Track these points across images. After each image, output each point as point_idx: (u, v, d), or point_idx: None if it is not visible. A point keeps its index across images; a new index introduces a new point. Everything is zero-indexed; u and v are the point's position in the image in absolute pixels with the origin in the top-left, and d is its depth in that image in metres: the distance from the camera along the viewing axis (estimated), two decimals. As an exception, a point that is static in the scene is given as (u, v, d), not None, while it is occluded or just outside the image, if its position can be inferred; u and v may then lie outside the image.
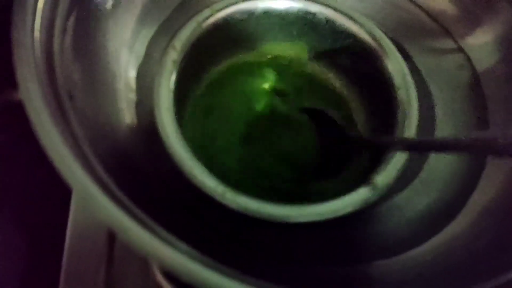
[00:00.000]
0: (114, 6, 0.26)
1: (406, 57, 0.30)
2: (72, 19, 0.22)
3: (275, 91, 0.32)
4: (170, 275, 0.27)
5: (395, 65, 0.28)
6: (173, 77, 0.26)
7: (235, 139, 0.29)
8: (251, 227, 0.23)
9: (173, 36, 0.28)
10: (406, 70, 0.28)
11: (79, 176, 0.16)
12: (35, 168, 0.37)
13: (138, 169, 0.24)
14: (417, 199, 0.26)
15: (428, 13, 0.31)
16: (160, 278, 0.27)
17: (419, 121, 0.26)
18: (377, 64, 0.29)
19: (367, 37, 0.29)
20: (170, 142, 0.23)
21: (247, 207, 0.22)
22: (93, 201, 0.16)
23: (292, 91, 0.32)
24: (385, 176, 0.24)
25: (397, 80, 0.28)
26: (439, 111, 0.29)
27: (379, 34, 0.29)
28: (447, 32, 0.31)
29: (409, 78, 0.28)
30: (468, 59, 0.30)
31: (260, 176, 0.28)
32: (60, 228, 0.30)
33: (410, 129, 0.26)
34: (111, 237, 0.29)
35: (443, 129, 0.29)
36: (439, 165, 0.27)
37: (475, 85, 0.29)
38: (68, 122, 0.19)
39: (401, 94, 0.27)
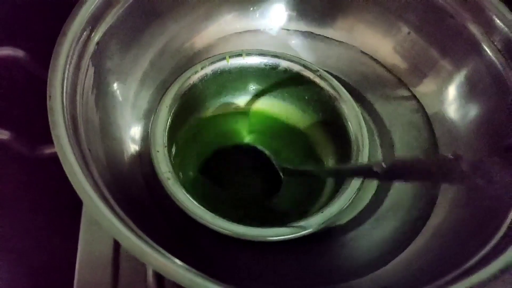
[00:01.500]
0: (120, 73, 0.32)
1: (368, 104, 0.37)
2: (87, 88, 0.29)
3: (249, 132, 0.38)
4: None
5: (350, 110, 0.35)
6: (167, 120, 0.32)
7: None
8: (235, 248, 0.29)
9: (167, 88, 0.34)
10: (359, 114, 0.34)
11: (97, 206, 0.22)
12: (36, 214, 0.42)
13: (140, 199, 0.30)
14: (382, 225, 0.32)
15: (385, 67, 0.39)
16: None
17: (369, 158, 0.33)
18: (336, 109, 0.35)
19: (328, 87, 0.36)
20: (163, 178, 0.29)
21: (232, 230, 0.28)
22: (104, 221, 0.22)
23: (264, 134, 0.38)
24: (333, 207, 0.30)
25: (352, 122, 0.34)
26: (398, 150, 0.36)
27: (336, 84, 0.36)
28: (401, 82, 0.38)
29: (361, 120, 0.34)
30: (420, 104, 0.37)
31: (237, 206, 0.34)
32: (63, 269, 0.33)
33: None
34: (116, 272, 0.33)
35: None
36: (401, 195, 0.33)
37: (427, 126, 0.36)
38: (88, 167, 0.24)
39: (355, 134, 0.34)
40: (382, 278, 0.29)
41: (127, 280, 0.32)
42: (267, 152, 0.36)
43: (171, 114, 0.33)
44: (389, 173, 0.25)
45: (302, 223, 0.29)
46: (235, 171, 0.37)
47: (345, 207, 0.30)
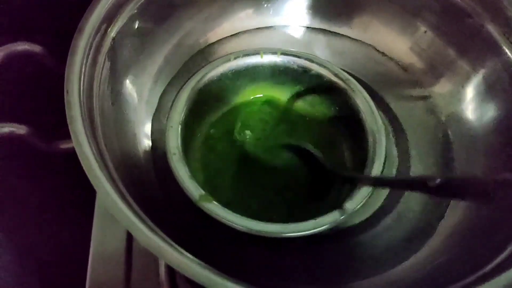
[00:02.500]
0: (136, 69, 0.33)
1: (383, 103, 0.37)
2: (104, 83, 0.29)
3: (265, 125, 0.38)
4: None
5: (362, 101, 0.35)
6: (182, 116, 0.33)
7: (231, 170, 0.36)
8: (249, 244, 0.29)
9: (181, 87, 0.35)
10: (372, 105, 0.35)
11: (114, 200, 0.23)
12: (48, 211, 0.42)
13: (153, 194, 0.31)
14: (397, 227, 0.32)
15: (400, 66, 0.39)
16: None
17: (386, 152, 0.33)
18: (348, 102, 0.36)
19: (339, 80, 0.36)
20: (176, 169, 0.30)
21: (249, 227, 0.28)
22: (120, 215, 0.22)
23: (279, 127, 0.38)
24: (352, 203, 0.30)
25: (366, 113, 0.34)
26: (413, 151, 0.36)
27: (346, 76, 0.36)
28: (417, 82, 0.38)
29: (375, 111, 0.34)
30: (436, 105, 0.37)
31: (258, 202, 0.34)
32: (72, 266, 0.34)
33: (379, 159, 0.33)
34: (128, 267, 0.34)
35: (417, 166, 0.35)
36: (414, 198, 0.34)
37: (443, 127, 0.36)
38: (104, 161, 0.25)
39: (370, 125, 0.34)
40: (394, 280, 0.29)
41: (140, 275, 0.33)
42: (317, 153, 0.36)
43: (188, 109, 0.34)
44: (443, 190, 0.22)
45: (318, 219, 0.29)
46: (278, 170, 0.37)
47: (360, 205, 0.30)
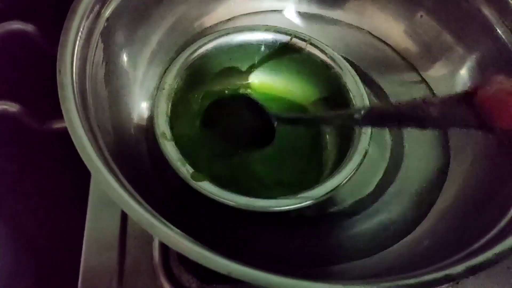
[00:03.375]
0: (129, 51, 0.33)
1: (378, 88, 0.38)
2: (97, 64, 0.29)
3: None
4: (177, 284, 0.32)
5: (351, 81, 0.34)
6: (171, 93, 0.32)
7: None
8: (239, 221, 0.30)
9: (167, 66, 0.34)
10: (361, 85, 0.34)
11: (106, 179, 0.23)
12: (42, 196, 0.42)
13: (145, 173, 0.31)
14: (389, 209, 0.33)
15: (396, 51, 0.39)
16: (166, 286, 0.33)
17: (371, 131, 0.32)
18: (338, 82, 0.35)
19: (330, 61, 0.35)
20: (165, 146, 0.30)
21: (234, 200, 0.28)
22: (113, 193, 0.22)
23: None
24: (339, 177, 0.30)
25: (353, 92, 0.34)
26: (407, 135, 0.36)
27: (338, 57, 0.35)
28: (412, 67, 0.38)
29: (362, 89, 0.34)
30: (430, 89, 0.37)
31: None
32: (68, 252, 0.34)
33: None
34: (122, 251, 0.34)
35: (411, 150, 0.36)
36: (408, 180, 0.34)
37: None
38: (96, 140, 0.25)
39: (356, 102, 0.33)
40: (387, 260, 0.29)
41: (134, 259, 0.33)
42: (259, 101, 0.36)
43: (179, 78, 0.33)
44: (367, 119, 0.27)
45: (305, 194, 0.29)
46: (230, 123, 0.36)
47: (348, 178, 0.30)
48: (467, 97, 0.19)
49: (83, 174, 0.27)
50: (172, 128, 0.31)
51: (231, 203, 0.28)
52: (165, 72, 0.33)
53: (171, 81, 0.32)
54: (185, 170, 0.29)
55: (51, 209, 0.42)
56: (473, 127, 0.20)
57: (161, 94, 0.32)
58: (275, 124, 0.33)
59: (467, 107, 0.19)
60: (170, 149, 0.30)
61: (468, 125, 0.21)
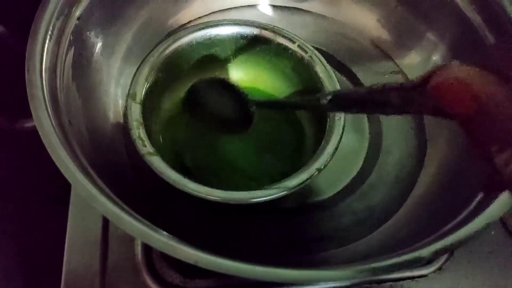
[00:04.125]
0: (103, 48, 0.33)
1: (355, 78, 0.38)
2: (69, 62, 0.29)
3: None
4: (160, 280, 0.32)
5: (322, 70, 0.34)
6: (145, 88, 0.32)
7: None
8: (220, 214, 0.30)
9: (142, 61, 0.34)
10: (332, 73, 0.34)
11: (78, 180, 0.22)
12: (29, 200, 0.42)
13: (122, 171, 0.31)
14: (368, 198, 0.33)
15: (372, 41, 0.39)
16: (150, 283, 0.33)
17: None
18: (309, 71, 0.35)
19: (301, 52, 0.35)
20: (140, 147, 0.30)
21: (213, 194, 0.28)
22: (88, 195, 0.22)
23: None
24: (317, 164, 0.30)
25: (321, 74, 0.34)
26: (385, 124, 0.36)
27: (308, 47, 0.35)
28: (387, 56, 0.38)
29: (331, 72, 0.34)
30: (406, 77, 0.37)
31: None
32: (53, 253, 0.34)
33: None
34: (105, 249, 0.34)
35: (389, 140, 0.36)
36: (387, 167, 0.34)
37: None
38: (68, 140, 0.25)
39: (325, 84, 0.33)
40: (367, 246, 0.29)
41: (116, 257, 0.33)
42: (236, 85, 0.35)
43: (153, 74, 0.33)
44: (334, 103, 0.26)
45: (282, 184, 0.29)
46: (208, 107, 0.36)
47: (324, 166, 0.30)
48: (422, 83, 0.19)
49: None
50: (147, 123, 0.31)
51: (211, 198, 0.28)
52: (137, 69, 0.32)
53: (144, 78, 0.32)
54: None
55: (35, 211, 0.41)
56: (430, 114, 0.20)
57: (136, 87, 0.32)
58: (253, 108, 0.33)
59: (423, 93, 0.19)
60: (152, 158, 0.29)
61: (425, 112, 0.21)
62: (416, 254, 0.22)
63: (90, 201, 0.22)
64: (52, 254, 0.35)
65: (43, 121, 0.24)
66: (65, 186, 0.35)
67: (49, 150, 0.23)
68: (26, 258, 0.41)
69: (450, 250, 0.22)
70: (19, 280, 0.40)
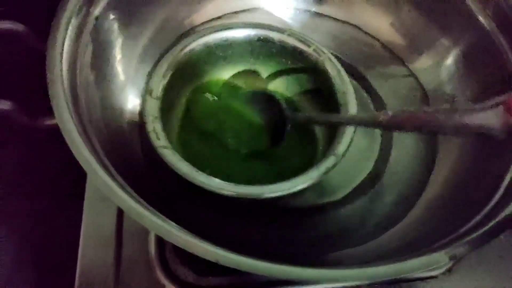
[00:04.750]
0: (120, 48, 0.33)
1: (367, 82, 0.38)
2: (87, 61, 0.30)
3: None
4: (173, 277, 0.33)
5: (332, 68, 0.34)
6: (162, 85, 0.33)
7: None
8: (232, 211, 0.30)
9: (159, 58, 0.35)
10: (340, 68, 0.34)
11: (97, 173, 0.23)
12: (40, 197, 0.43)
13: (138, 167, 0.31)
14: (379, 200, 0.33)
15: (384, 45, 0.39)
16: (163, 280, 0.33)
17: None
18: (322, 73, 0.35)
19: (316, 55, 0.35)
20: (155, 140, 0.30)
21: (225, 188, 0.28)
22: (103, 186, 0.22)
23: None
24: (328, 162, 0.30)
25: (335, 78, 0.34)
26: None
27: (325, 51, 0.35)
28: (400, 60, 0.38)
29: (344, 75, 0.34)
30: (418, 81, 0.37)
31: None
32: (66, 248, 0.35)
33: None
34: (119, 245, 0.34)
35: (399, 142, 0.36)
36: (398, 169, 0.34)
37: (425, 103, 0.36)
38: (88, 137, 0.25)
39: (338, 87, 0.34)
40: (376, 249, 0.30)
41: (130, 253, 0.34)
42: (277, 96, 0.36)
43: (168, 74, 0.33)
44: (392, 123, 0.26)
45: (294, 180, 0.29)
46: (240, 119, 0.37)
47: (335, 165, 0.30)
48: (495, 105, 0.20)
49: (79, 171, 0.27)
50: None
51: (224, 192, 0.28)
52: (155, 66, 0.33)
53: (161, 75, 0.32)
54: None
55: (48, 207, 0.42)
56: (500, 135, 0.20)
57: (152, 84, 0.32)
58: (288, 127, 0.34)
59: (496, 115, 0.20)
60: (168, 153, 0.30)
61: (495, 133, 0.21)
62: (434, 256, 0.22)
63: (112, 197, 0.22)
64: (65, 250, 0.36)
65: (65, 118, 0.24)
66: (79, 183, 0.35)
67: (71, 146, 0.23)
68: (40, 254, 0.42)
69: (464, 254, 0.22)
70: (33, 276, 0.41)
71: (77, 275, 0.33)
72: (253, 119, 0.37)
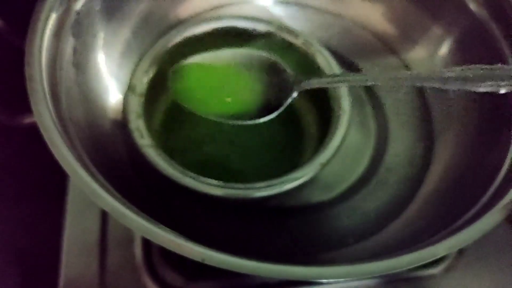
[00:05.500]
0: (102, 43, 0.33)
1: (360, 73, 0.38)
2: (68, 57, 0.29)
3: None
4: (161, 283, 0.33)
5: (321, 60, 0.34)
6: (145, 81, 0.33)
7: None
8: (222, 212, 0.30)
9: (142, 55, 0.34)
10: (331, 60, 0.34)
11: (78, 174, 0.22)
12: (23, 201, 0.42)
13: (121, 166, 0.31)
14: (375, 196, 0.33)
15: (376, 35, 0.39)
16: (150, 285, 0.33)
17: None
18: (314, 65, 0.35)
19: (305, 47, 0.35)
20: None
21: (216, 190, 0.28)
22: (85, 187, 0.22)
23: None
24: (323, 157, 0.30)
25: (325, 70, 0.34)
26: (391, 121, 0.36)
27: (314, 43, 0.35)
28: (393, 50, 0.38)
29: (335, 66, 0.34)
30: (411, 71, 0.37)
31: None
32: (49, 254, 0.34)
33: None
34: (104, 251, 0.34)
35: (395, 134, 0.36)
36: (394, 164, 0.34)
37: (419, 93, 0.36)
38: (68, 135, 0.25)
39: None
40: (374, 245, 0.30)
41: (115, 259, 0.33)
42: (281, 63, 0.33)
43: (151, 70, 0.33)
44: None
45: (285, 178, 0.29)
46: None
47: (328, 159, 0.30)
48: None
49: (62, 172, 0.27)
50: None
51: (215, 193, 0.28)
52: (137, 63, 0.33)
53: (144, 71, 0.32)
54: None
55: (31, 211, 0.41)
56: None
57: (135, 80, 0.32)
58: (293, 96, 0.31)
59: None
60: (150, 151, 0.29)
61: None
62: (428, 250, 0.22)
63: (94, 198, 0.22)
64: (47, 255, 0.35)
65: (44, 115, 0.24)
66: (61, 185, 0.35)
67: (49, 145, 0.23)
68: (22, 259, 0.41)
69: (462, 246, 0.22)
70: (15, 282, 0.40)
71: (61, 282, 0.33)
72: (248, 84, 0.34)
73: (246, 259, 0.20)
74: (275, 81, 0.32)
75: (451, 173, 0.32)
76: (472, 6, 0.33)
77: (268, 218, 0.32)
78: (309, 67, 0.35)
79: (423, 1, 0.37)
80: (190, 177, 0.28)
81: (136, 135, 0.29)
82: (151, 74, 0.32)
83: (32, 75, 0.25)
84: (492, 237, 0.34)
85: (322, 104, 0.34)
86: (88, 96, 0.31)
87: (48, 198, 0.39)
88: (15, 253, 0.41)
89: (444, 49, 0.36)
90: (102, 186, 0.23)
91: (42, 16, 0.27)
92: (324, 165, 0.30)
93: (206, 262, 0.20)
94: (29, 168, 0.41)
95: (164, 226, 0.22)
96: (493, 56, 0.31)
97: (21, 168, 0.42)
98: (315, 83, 0.31)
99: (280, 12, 0.41)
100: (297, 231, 0.32)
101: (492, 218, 0.23)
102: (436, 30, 0.36)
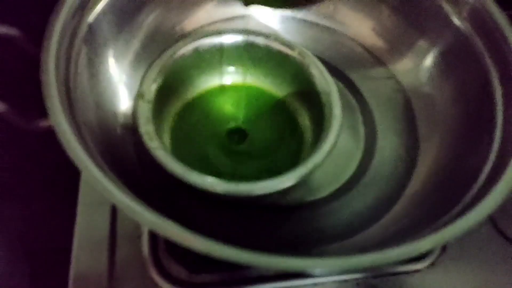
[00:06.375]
0: (113, 53, 0.33)
1: (351, 83, 0.39)
2: (81, 66, 0.30)
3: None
4: (167, 275, 0.33)
5: (314, 68, 0.34)
6: (153, 88, 0.32)
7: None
8: (223, 209, 0.30)
9: (150, 64, 0.34)
10: (324, 70, 0.34)
11: (90, 170, 0.23)
12: (34, 200, 0.42)
13: (132, 169, 0.31)
14: (365, 194, 0.34)
15: (366, 48, 0.40)
16: (156, 278, 0.33)
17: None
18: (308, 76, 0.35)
19: (301, 58, 0.35)
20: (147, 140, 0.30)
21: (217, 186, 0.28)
22: (97, 183, 0.23)
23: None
24: (317, 157, 0.30)
25: (319, 80, 0.34)
26: (379, 127, 0.37)
27: (309, 54, 0.35)
28: (381, 62, 0.39)
29: (327, 76, 0.34)
30: (399, 82, 0.38)
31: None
32: (59, 252, 0.34)
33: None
34: (113, 247, 0.34)
35: (383, 141, 0.37)
36: (382, 166, 0.35)
37: (406, 103, 0.37)
38: (82, 136, 0.25)
39: (321, 87, 0.34)
40: (361, 242, 0.30)
41: (124, 254, 0.33)
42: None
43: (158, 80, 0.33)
44: None
45: (282, 176, 0.29)
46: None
47: (323, 159, 0.30)
48: None
49: (72, 174, 0.27)
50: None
51: (217, 190, 0.28)
52: (146, 71, 0.33)
53: (152, 79, 0.33)
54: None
55: (42, 210, 0.41)
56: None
57: (143, 88, 0.32)
58: None
59: None
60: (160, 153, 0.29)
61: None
62: (413, 245, 0.22)
63: (106, 194, 0.22)
64: (58, 254, 0.35)
65: (59, 119, 0.24)
66: (72, 186, 0.35)
67: (65, 146, 0.23)
68: (33, 258, 0.41)
69: (446, 243, 0.23)
70: (25, 280, 0.40)
71: (71, 276, 0.33)
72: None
73: (251, 252, 0.21)
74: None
75: (435, 175, 0.32)
76: (456, 21, 0.34)
77: (265, 215, 0.32)
78: (304, 78, 0.35)
79: (410, 17, 0.37)
80: (194, 175, 0.28)
81: (145, 138, 0.30)
82: (159, 82, 0.33)
83: (48, 81, 0.25)
84: (474, 236, 0.35)
85: (316, 110, 0.34)
86: (100, 102, 0.31)
87: (59, 198, 0.39)
88: (26, 250, 0.41)
89: (429, 61, 0.37)
90: (113, 182, 0.23)
91: (57, 27, 0.28)
92: (317, 167, 0.30)
93: (211, 254, 0.21)
94: (40, 169, 0.41)
95: (171, 220, 0.22)
96: (476, 69, 0.32)
97: (33, 169, 0.42)
98: None
99: (277, 26, 0.42)
100: (291, 227, 0.32)
101: (473, 217, 0.24)
102: (422, 43, 0.37)
